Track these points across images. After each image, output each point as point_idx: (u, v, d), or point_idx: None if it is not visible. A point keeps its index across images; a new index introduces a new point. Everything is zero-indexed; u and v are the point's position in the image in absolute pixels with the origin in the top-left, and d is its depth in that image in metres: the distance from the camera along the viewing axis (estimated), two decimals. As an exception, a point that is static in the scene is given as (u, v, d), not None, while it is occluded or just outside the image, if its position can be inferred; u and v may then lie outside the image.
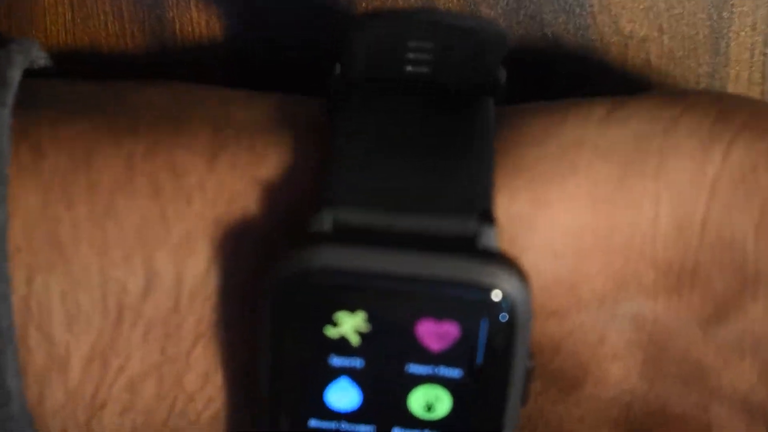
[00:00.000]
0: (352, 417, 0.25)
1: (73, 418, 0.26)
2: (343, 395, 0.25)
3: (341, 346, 0.25)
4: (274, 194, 0.26)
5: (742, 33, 0.33)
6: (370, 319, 0.24)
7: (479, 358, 0.25)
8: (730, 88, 0.33)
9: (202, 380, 0.26)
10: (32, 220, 0.25)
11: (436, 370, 0.25)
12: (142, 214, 0.25)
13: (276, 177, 0.26)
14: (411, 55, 0.27)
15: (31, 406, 0.25)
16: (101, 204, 0.25)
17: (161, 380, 0.26)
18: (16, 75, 0.26)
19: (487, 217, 0.24)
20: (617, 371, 0.26)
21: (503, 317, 0.24)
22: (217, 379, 0.26)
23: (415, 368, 0.25)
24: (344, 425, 0.26)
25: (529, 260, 0.25)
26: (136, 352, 0.26)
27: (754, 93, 0.33)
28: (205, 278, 0.25)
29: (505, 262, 0.24)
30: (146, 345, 0.26)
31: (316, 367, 0.25)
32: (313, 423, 0.26)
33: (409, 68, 0.27)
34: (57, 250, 0.25)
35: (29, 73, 0.27)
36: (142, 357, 0.26)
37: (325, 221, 0.24)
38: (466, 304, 0.24)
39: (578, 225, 0.25)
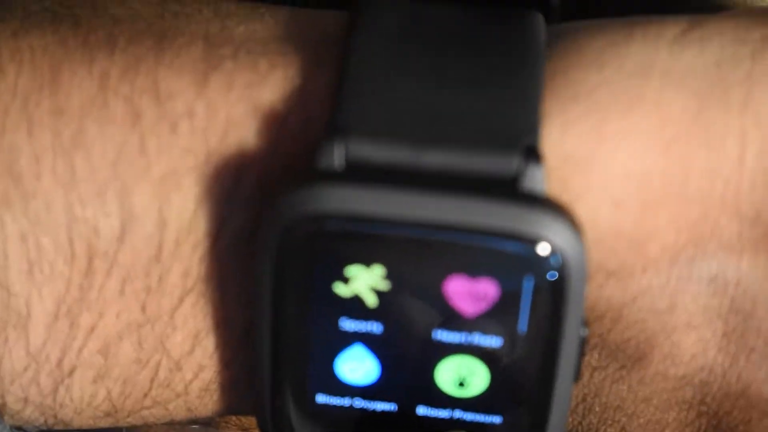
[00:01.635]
0: (369, 392, 0.21)
1: (36, 385, 0.22)
2: (357, 366, 0.21)
3: (355, 307, 0.21)
4: (277, 123, 0.21)
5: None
6: (389, 275, 0.20)
7: (522, 325, 0.21)
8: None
9: (189, 344, 0.22)
10: None
11: (469, 338, 0.21)
12: (118, 145, 0.21)
13: (280, 102, 0.21)
14: None
15: None
16: (68, 132, 0.21)
17: (141, 343, 0.22)
18: None
19: (532, 153, 0.20)
20: (691, 344, 0.22)
21: (551, 275, 0.20)
22: (208, 344, 0.22)
23: (443, 335, 0.21)
24: (359, 402, 0.21)
25: (583, 208, 0.21)
26: (110, 308, 0.22)
27: None
28: (192, 222, 0.21)
29: (554, 209, 0.20)
30: (122, 300, 0.22)
31: (325, 333, 0.21)
32: (321, 399, 0.22)
33: None
34: (15, 184, 0.21)
35: None
36: (118, 314, 0.22)
37: (337, 155, 0.20)
38: (507, 258, 0.20)
39: (644, 167, 0.21)
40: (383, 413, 0.22)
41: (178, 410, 0.23)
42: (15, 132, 0.21)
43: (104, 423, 0.23)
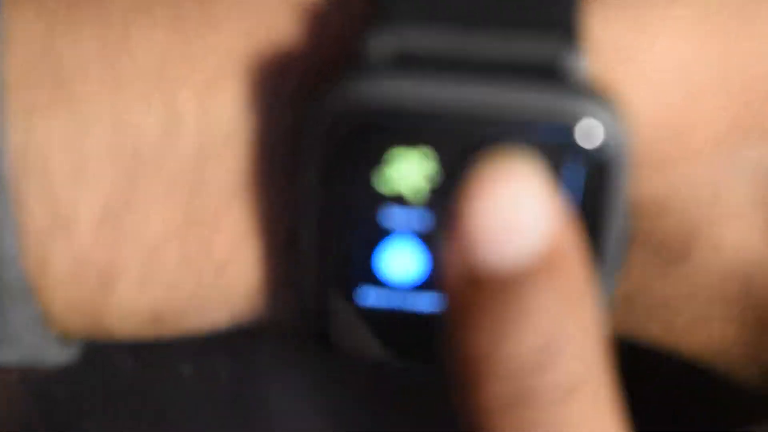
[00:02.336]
0: (418, 287, 0.21)
1: (81, 290, 0.22)
2: (405, 262, 0.21)
3: (403, 200, 0.20)
4: (319, 21, 0.21)
5: None
6: (438, 164, 0.20)
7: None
8: None
9: (234, 247, 0.22)
10: (32, 51, 0.21)
11: None
12: (162, 49, 0.21)
13: (320, 1, 0.21)
14: None
15: (31, 272, 0.21)
16: (113, 38, 0.21)
17: (185, 245, 0.22)
18: None
19: (575, 41, 0.20)
20: (736, 235, 0.22)
21: (595, 158, 0.20)
22: (253, 245, 0.22)
23: None
24: (408, 298, 0.21)
25: (627, 96, 0.21)
26: (155, 211, 0.22)
27: None
28: (236, 123, 0.21)
29: (598, 94, 0.20)
30: (167, 202, 0.22)
31: (372, 228, 0.21)
32: (367, 298, 0.21)
33: None
34: (61, 87, 0.21)
35: None
36: (163, 217, 0.22)
37: (381, 45, 0.20)
38: (549, 143, 0.20)
39: (686, 58, 0.21)
40: (427, 314, 0.22)
41: (221, 316, 0.23)
42: (62, 39, 0.21)
43: (148, 331, 0.23)
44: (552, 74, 0.20)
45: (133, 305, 0.22)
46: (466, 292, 0.18)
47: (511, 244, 0.18)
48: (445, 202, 0.20)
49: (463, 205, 0.18)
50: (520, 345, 0.18)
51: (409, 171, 0.20)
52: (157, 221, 0.22)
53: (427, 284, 0.21)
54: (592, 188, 0.20)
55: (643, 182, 0.21)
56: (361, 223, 0.21)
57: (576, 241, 0.18)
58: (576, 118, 0.20)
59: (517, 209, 0.18)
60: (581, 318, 0.18)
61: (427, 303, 0.22)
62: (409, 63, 0.20)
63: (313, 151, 0.20)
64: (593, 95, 0.20)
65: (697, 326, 0.23)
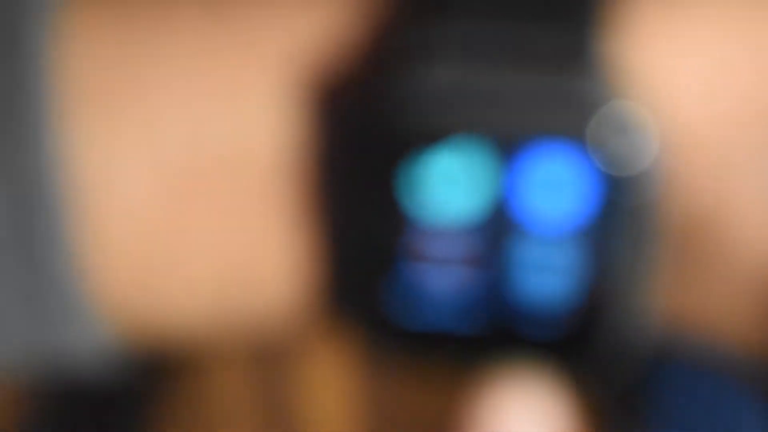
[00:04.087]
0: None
1: (148, 274, 0.24)
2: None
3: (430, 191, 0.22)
4: (356, 44, 0.23)
5: None
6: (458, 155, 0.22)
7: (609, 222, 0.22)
8: None
9: (273, 239, 0.24)
10: (112, 71, 0.24)
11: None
12: (220, 67, 0.24)
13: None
14: None
15: (105, 265, 0.24)
16: (183, 59, 0.24)
17: (230, 239, 0.24)
18: None
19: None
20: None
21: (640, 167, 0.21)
22: (289, 241, 0.24)
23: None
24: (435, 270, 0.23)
25: (672, 111, 0.23)
26: (205, 208, 0.24)
27: None
28: (271, 135, 0.24)
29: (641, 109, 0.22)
30: (216, 202, 0.24)
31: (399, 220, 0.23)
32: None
33: None
34: (136, 103, 0.24)
35: None
36: (210, 214, 0.24)
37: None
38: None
39: (706, 66, 0.23)
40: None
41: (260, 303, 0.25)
42: (137, 60, 0.24)
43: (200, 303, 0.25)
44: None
45: (188, 285, 0.24)
46: None
47: None
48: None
49: None
50: None
51: (435, 161, 0.22)
52: (206, 217, 0.24)
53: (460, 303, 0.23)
54: (633, 197, 0.22)
55: (687, 192, 0.23)
56: (390, 216, 0.23)
57: None
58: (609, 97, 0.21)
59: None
60: None
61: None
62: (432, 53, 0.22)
63: (348, 160, 0.22)
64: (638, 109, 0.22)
65: (732, 317, 0.24)
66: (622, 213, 0.22)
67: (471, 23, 0.22)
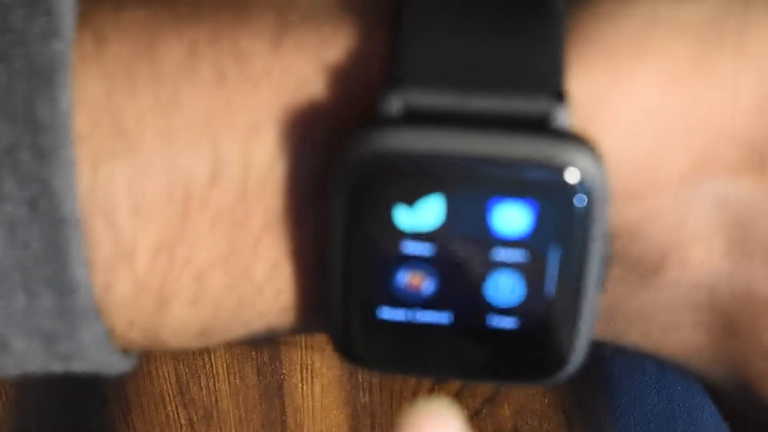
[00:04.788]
0: (424, 306, 0.25)
1: (140, 310, 0.26)
2: (416, 283, 0.25)
3: (415, 232, 0.24)
4: (342, 79, 0.25)
5: None
6: (444, 203, 0.24)
7: (555, 243, 0.24)
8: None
9: (270, 272, 0.26)
10: (97, 108, 0.25)
11: (511, 254, 0.24)
12: (207, 102, 0.25)
13: (344, 61, 0.25)
14: None
15: (98, 297, 0.25)
16: (166, 92, 0.25)
17: (228, 271, 0.26)
18: None
19: (559, 95, 0.24)
20: (700, 253, 0.26)
21: (580, 199, 0.23)
22: (286, 270, 0.26)
23: (491, 253, 0.24)
24: (419, 314, 0.25)
25: (604, 141, 0.24)
26: (202, 242, 0.25)
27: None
28: (272, 166, 0.25)
29: (580, 141, 0.24)
30: (213, 234, 0.25)
31: (389, 253, 0.24)
32: (384, 313, 0.25)
33: None
34: (122, 138, 0.25)
35: None
36: (209, 247, 0.25)
37: (395, 103, 0.24)
38: (541, 185, 0.24)
39: (655, 104, 0.25)
40: (437, 325, 0.25)
41: (258, 328, 0.27)
42: (120, 93, 0.25)
43: (197, 343, 0.27)
44: (542, 125, 0.24)
45: (185, 322, 0.26)
46: None
47: None
48: (450, 235, 0.24)
49: None
50: None
51: (420, 208, 0.24)
52: (204, 250, 0.25)
53: (434, 298, 0.25)
54: (579, 220, 0.24)
55: (620, 211, 0.25)
56: (381, 251, 0.24)
57: None
58: (563, 162, 0.23)
59: None
60: None
61: (433, 314, 0.25)
62: (418, 118, 0.24)
63: (338, 191, 0.24)
64: (577, 142, 0.24)
65: (670, 332, 0.27)
66: (567, 220, 0.24)
67: None
